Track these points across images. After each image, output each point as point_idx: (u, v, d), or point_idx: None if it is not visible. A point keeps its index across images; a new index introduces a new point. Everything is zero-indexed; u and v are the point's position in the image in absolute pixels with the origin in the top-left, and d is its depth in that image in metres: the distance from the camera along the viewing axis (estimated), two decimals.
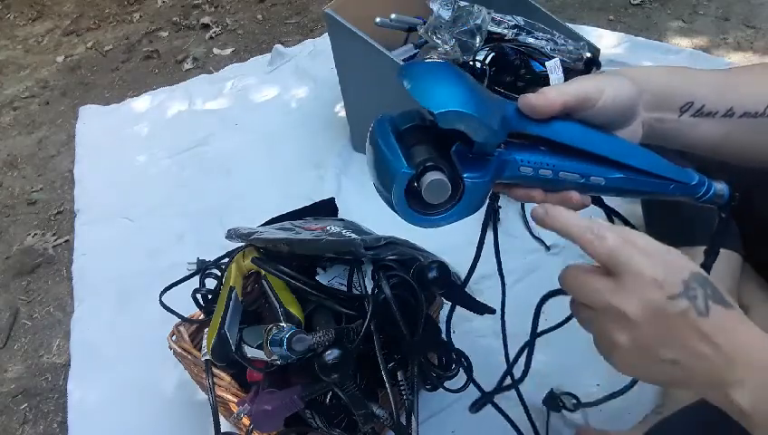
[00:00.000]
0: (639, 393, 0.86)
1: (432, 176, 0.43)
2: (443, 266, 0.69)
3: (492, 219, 0.69)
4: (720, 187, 0.52)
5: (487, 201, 0.63)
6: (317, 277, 0.84)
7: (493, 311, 0.75)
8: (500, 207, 1.20)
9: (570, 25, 1.36)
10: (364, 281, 0.77)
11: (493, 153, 0.45)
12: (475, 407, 0.68)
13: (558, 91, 0.47)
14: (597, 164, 0.48)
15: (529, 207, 1.25)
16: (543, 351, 0.93)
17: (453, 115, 0.41)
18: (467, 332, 0.98)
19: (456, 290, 0.73)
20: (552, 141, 0.47)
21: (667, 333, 0.39)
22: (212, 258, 0.86)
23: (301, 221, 0.90)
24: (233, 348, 0.69)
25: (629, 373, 0.44)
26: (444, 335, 0.73)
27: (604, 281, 0.41)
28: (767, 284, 0.85)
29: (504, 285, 0.69)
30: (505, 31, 1.30)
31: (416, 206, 0.44)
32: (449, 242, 1.14)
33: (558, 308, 1.03)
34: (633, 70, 0.54)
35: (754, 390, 0.38)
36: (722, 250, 0.82)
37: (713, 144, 0.57)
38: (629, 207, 1.13)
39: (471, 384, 0.74)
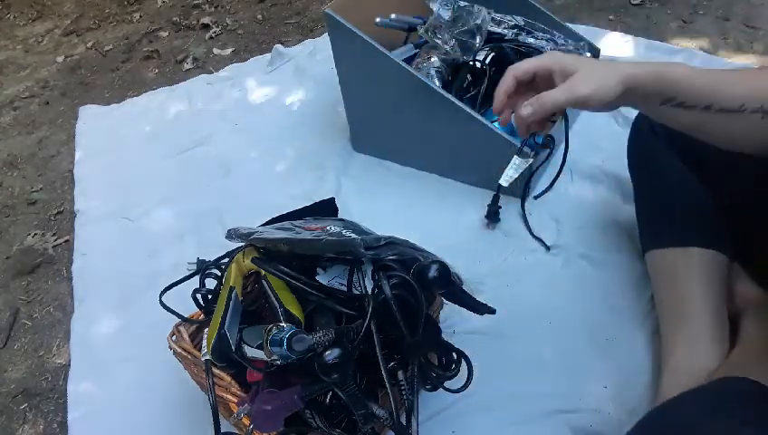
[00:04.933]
0: (641, 392, 0.86)
1: None
2: (443, 266, 0.69)
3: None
4: None
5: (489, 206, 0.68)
6: (317, 277, 0.84)
7: (493, 311, 0.75)
8: (500, 206, 1.21)
9: (570, 25, 1.36)
10: (364, 281, 0.77)
11: None
12: None
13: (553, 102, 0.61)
14: None
15: (529, 207, 1.25)
16: (550, 352, 0.94)
17: None
18: (467, 332, 0.98)
19: (456, 290, 0.73)
20: None
21: None
22: (212, 258, 0.86)
23: (301, 221, 0.90)
24: (233, 348, 0.69)
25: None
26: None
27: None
28: (760, 286, 0.85)
29: None
30: (505, 31, 1.30)
31: None
32: (449, 242, 1.14)
33: (558, 307, 1.04)
34: (628, 67, 0.61)
35: None
36: (709, 251, 0.83)
37: (688, 127, 0.65)
38: (617, 205, 1.13)
39: (470, 386, 0.74)
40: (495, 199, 1.17)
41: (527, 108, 0.63)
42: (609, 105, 0.62)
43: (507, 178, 1.14)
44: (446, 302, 0.83)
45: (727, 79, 0.63)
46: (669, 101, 0.62)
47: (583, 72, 0.61)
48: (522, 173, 1.13)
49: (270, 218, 1.19)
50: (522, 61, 0.66)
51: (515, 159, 1.14)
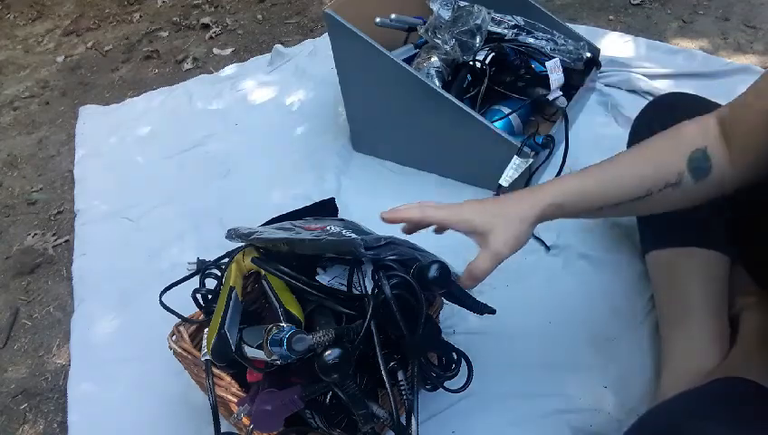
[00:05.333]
0: (641, 392, 0.86)
1: None
2: (443, 266, 0.68)
3: None
4: None
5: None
6: (317, 277, 0.84)
7: (493, 311, 0.75)
8: None
9: (570, 25, 1.36)
10: (364, 281, 0.77)
11: None
12: None
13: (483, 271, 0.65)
14: None
15: None
16: (550, 352, 0.94)
17: None
18: (467, 332, 0.98)
19: (456, 290, 0.73)
20: None
21: None
22: (212, 258, 0.86)
23: (301, 221, 0.90)
24: (233, 348, 0.69)
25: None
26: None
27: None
28: (759, 286, 0.85)
29: None
30: (505, 31, 1.30)
31: None
32: (449, 242, 1.14)
33: (558, 307, 1.04)
34: (529, 210, 0.65)
35: None
36: (710, 252, 0.83)
37: (613, 217, 0.79)
38: None
39: (470, 386, 0.74)
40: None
41: (467, 282, 0.66)
42: (526, 241, 0.68)
43: (507, 178, 1.15)
44: (446, 302, 0.83)
45: (624, 171, 0.67)
46: (581, 214, 0.68)
47: (496, 232, 0.64)
48: (521, 173, 1.14)
49: (270, 218, 1.19)
50: (436, 209, 0.67)
51: (515, 160, 1.14)
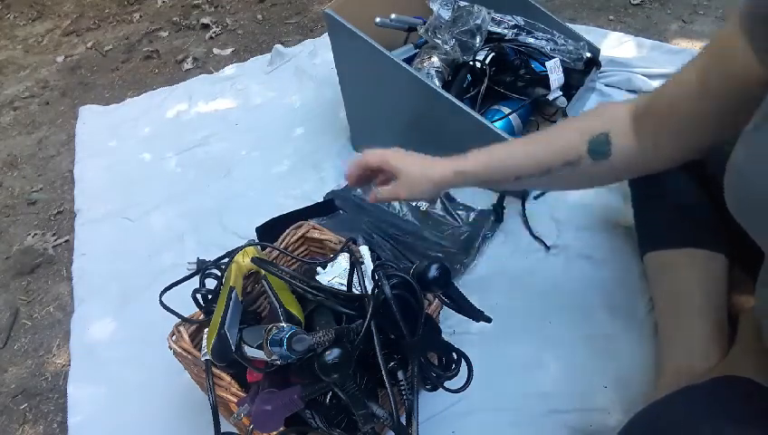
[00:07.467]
0: (641, 392, 0.86)
1: None
2: (443, 267, 0.69)
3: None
4: None
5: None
6: (317, 277, 0.84)
7: (489, 319, 0.75)
8: (504, 207, 1.20)
9: (570, 25, 1.36)
10: (364, 281, 0.77)
11: None
12: None
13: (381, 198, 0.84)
14: None
15: (529, 207, 1.25)
16: (550, 352, 0.94)
17: None
18: (467, 332, 0.98)
19: (455, 294, 0.73)
20: None
21: None
22: (212, 258, 0.86)
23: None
24: (233, 348, 0.69)
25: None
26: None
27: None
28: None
29: None
30: (505, 31, 1.30)
31: None
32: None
33: (558, 307, 1.03)
34: (436, 173, 0.79)
35: None
36: (708, 252, 0.83)
37: (521, 188, 0.91)
38: (618, 206, 1.13)
39: (470, 386, 0.74)
40: (501, 199, 1.17)
41: (369, 196, 0.85)
42: (431, 198, 0.85)
43: None
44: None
45: (525, 148, 0.76)
46: (485, 184, 0.84)
47: (403, 178, 0.81)
48: None
49: (270, 218, 1.19)
50: (371, 152, 0.84)
51: None
